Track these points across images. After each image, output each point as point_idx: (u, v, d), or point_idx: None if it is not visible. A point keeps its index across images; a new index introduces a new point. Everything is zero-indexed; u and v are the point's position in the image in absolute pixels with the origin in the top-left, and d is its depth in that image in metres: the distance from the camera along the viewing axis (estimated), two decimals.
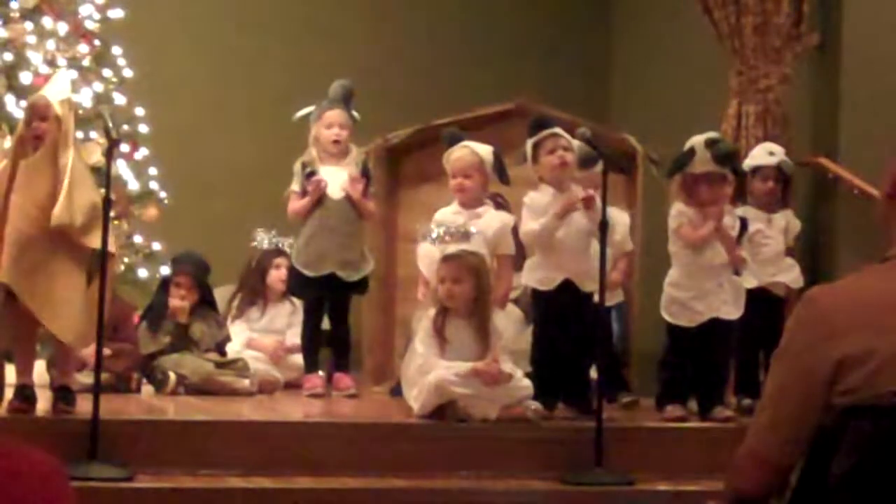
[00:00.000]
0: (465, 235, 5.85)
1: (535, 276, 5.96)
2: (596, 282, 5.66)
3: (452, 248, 5.79)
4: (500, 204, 6.91)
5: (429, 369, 5.57)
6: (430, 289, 5.90)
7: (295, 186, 6.74)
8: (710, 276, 5.97)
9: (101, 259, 5.18)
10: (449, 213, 6.28)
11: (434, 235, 5.96)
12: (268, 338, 7.43)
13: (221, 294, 7.48)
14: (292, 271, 6.85)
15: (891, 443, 2.32)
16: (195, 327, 6.97)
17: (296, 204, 6.72)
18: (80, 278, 5.28)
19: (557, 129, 5.99)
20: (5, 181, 5.31)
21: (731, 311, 5.97)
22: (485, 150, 6.31)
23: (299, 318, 7.35)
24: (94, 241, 5.23)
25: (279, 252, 7.51)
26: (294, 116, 6.81)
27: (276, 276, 7.50)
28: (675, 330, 6.00)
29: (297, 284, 6.82)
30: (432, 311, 5.71)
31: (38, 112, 5.37)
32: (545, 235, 5.88)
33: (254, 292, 7.58)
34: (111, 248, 5.31)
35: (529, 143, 6.00)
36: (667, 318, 6.01)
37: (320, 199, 6.68)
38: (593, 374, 5.97)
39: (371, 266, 6.83)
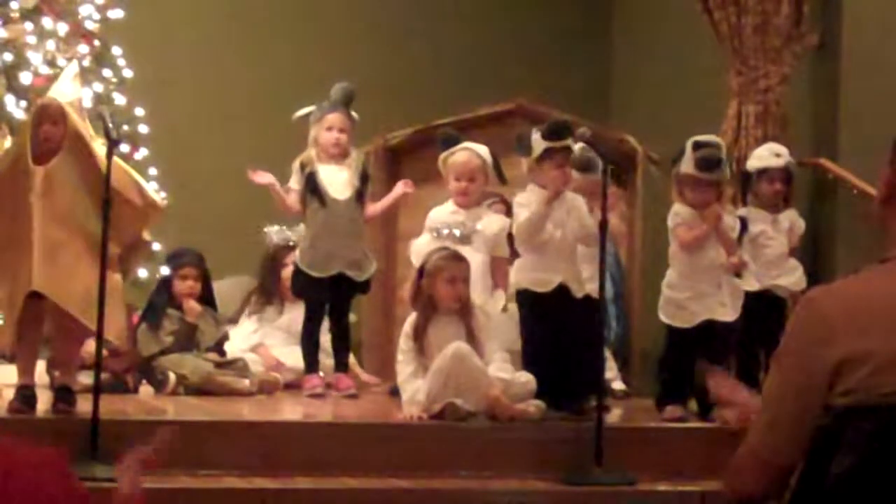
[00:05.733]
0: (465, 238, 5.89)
1: (528, 276, 5.92)
2: (583, 287, 5.79)
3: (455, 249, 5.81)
4: (507, 203, 6.91)
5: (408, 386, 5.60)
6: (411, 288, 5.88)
7: (293, 184, 6.73)
8: (707, 278, 5.95)
9: (102, 256, 5.17)
10: (446, 213, 6.27)
11: (444, 233, 5.97)
12: (287, 340, 7.37)
13: (218, 288, 7.42)
14: (297, 272, 6.82)
15: (890, 443, 2.32)
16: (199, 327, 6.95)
17: (288, 199, 6.71)
18: (112, 275, 5.27)
19: (570, 143, 5.92)
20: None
21: (728, 312, 5.95)
22: (484, 152, 6.30)
23: None
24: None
25: (290, 249, 7.41)
26: (294, 116, 6.81)
27: (288, 273, 7.39)
28: (673, 331, 5.99)
29: (303, 285, 6.79)
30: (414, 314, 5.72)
31: (51, 116, 5.33)
32: (536, 223, 5.80)
33: (269, 291, 7.54)
34: (147, 235, 5.68)
35: (542, 144, 5.89)
36: (663, 318, 6.00)
37: (323, 201, 6.68)
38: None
39: (374, 265, 6.82)
